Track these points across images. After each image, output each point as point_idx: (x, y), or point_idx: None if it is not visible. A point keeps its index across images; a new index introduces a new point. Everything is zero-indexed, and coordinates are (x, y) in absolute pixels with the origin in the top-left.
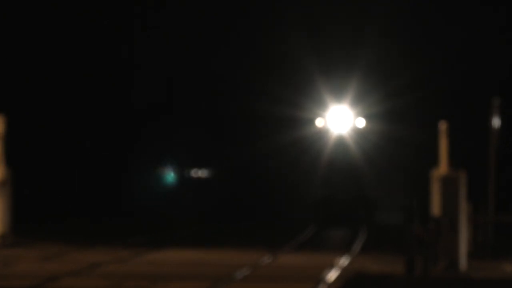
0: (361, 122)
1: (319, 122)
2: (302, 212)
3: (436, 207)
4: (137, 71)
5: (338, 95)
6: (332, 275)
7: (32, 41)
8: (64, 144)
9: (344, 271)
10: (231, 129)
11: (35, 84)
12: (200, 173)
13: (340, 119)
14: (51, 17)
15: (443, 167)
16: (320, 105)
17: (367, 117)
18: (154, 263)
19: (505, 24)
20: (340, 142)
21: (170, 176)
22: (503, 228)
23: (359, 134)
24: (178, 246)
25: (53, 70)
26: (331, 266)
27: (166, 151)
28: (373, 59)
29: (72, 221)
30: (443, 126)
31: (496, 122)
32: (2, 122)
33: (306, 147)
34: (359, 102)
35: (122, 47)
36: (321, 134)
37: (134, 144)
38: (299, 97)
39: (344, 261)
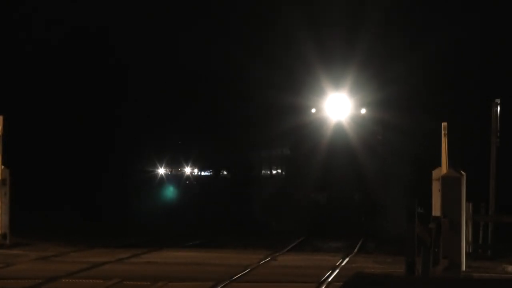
0: (362, 110)
1: (315, 111)
2: (295, 219)
3: (436, 207)
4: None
5: (337, 83)
6: (332, 276)
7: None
8: (60, 150)
9: (344, 271)
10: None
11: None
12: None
13: (338, 107)
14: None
15: (443, 167)
16: (319, 93)
17: (366, 105)
18: (154, 263)
19: (505, 22)
20: (339, 130)
21: (169, 190)
22: (503, 228)
23: (358, 123)
24: (178, 247)
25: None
26: (331, 266)
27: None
28: (373, 48)
29: (71, 222)
30: (443, 126)
31: (497, 120)
32: (1, 123)
33: (303, 137)
34: (358, 90)
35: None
36: (319, 122)
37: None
38: (298, 85)
39: (344, 261)
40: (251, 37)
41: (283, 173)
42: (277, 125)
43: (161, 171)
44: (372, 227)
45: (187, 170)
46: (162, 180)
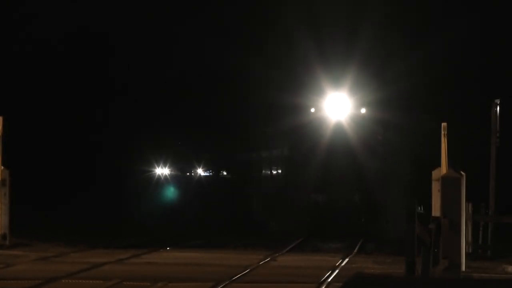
0: (361, 110)
1: (314, 110)
2: (294, 220)
3: (436, 207)
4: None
5: (337, 82)
6: (331, 276)
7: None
8: (60, 150)
9: (344, 272)
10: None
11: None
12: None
13: (338, 107)
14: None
15: (443, 167)
16: (318, 93)
17: (366, 104)
18: (154, 264)
19: (505, 22)
20: (339, 130)
21: (170, 191)
22: (503, 228)
23: (357, 123)
24: (178, 247)
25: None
26: (330, 267)
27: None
28: (373, 47)
29: (71, 222)
30: (443, 126)
31: (496, 120)
32: (1, 123)
33: (302, 137)
34: (358, 89)
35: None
36: (318, 122)
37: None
38: (297, 85)
39: (343, 262)
40: (251, 37)
41: (283, 173)
42: (277, 125)
43: (162, 171)
44: (372, 228)
45: (197, 170)
46: (162, 181)
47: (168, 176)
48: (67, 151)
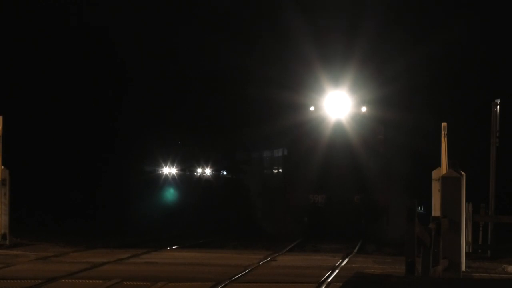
0: (362, 109)
1: (314, 109)
2: (293, 220)
3: (436, 207)
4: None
5: (336, 80)
6: (331, 276)
7: (29, 47)
8: (60, 150)
9: (344, 272)
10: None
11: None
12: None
13: (338, 105)
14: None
15: (443, 167)
16: (318, 91)
17: (367, 103)
18: (154, 264)
19: (506, 22)
20: (338, 129)
21: (170, 192)
22: (503, 228)
23: (358, 121)
24: (178, 247)
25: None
26: (330, 267)
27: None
28: (373, 45)
29: (71, 222)
30: (443, 126)
31: (496, 120)
32: (1, 123)
33: (301, 136)
34: (358, 88)
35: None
36: (318, 121)
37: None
38: (296, 83)
39: (343, 262)
40: (251, 36)
41: (282, 173)
42: (276, 124)
43: (170, 170)
44: (372, 228)
45: (198, 170)
46: (168, 180)
47: (176, 175)
48: (69, 150)
